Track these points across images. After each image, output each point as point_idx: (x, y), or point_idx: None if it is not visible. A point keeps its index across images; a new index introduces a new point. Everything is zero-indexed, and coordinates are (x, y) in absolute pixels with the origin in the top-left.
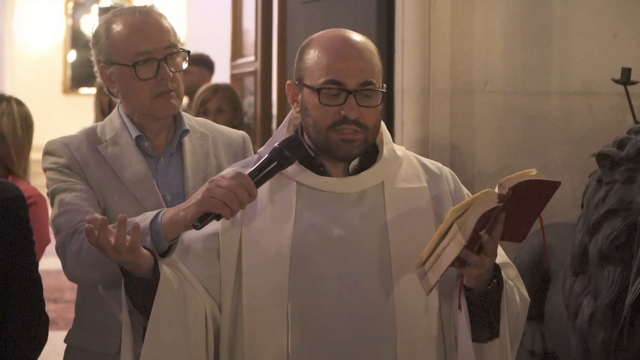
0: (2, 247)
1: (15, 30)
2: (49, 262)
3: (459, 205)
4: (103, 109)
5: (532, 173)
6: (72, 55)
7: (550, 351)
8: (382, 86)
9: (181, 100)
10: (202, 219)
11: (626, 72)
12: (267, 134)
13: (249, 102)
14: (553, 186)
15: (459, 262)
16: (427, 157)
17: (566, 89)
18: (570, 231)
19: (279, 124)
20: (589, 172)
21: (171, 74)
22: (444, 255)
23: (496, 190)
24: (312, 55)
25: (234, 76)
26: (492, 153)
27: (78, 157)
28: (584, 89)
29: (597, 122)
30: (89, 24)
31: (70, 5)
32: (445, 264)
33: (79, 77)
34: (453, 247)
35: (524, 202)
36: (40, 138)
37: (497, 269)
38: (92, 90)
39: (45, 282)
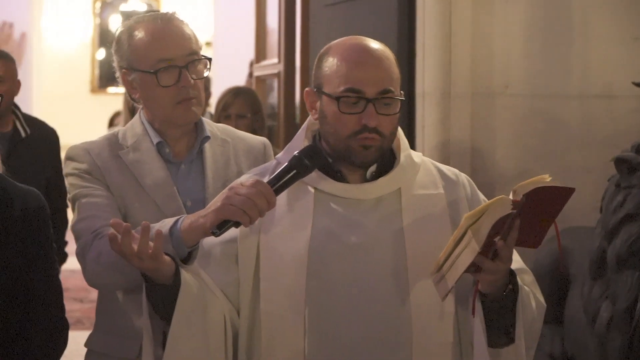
0: (24, 255)
1: (43, 29)
2: (75, 263)
3: (474, 211)
4: (132, 109)
5: (547, 179)
6: (101, 54)
7: (569, 355)
8: (400, 94)
9: (202, 107)
10: (221, 226)
11: None
12: (290, 136)
13: (273, 104)
14: (567, 192)
15: (474, 267)
16: (448, 161)
17: (586, 92)
18: (590, 235)
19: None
20: (609, 176)
21: (192, 81)
22: (458, 261)
23: (510, 196)
24: (331, 63)
25: (257, 78)
26: (512, 156)
27: (99, 163)
28: (604, 92)
29: (617, 125)
30: (117, 23)
31: (98, 4)
32: (460, 270)
33: (106, 76)
34: (467, 254)
35: (539, 208)
36: (68, 137)
37: (512, 274)
38: (120, 90)
39: (71, 282)
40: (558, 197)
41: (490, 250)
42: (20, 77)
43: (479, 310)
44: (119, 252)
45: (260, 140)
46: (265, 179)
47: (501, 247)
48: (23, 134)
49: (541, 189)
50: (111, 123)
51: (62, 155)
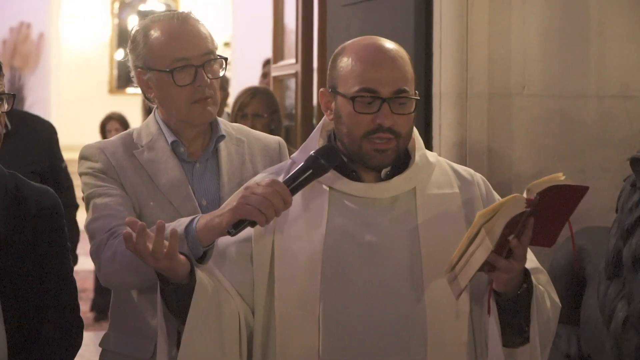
0: (38, 254)
1: (61, 30)
2: (92, 263)
3: (487, 209)
4: (149, 110)
5: (561, 178)
6: (119, 55)
7: (585, 355)
8: (415, 93)
9: (217, 106)
10: (237, 226)
11: None
12: (307, 136)
13: (290, 104)
14: (581, 191)
15: (488, 266)
16: (465, 161)
17: (603, 92)
18: (606, 235)
19: None
20: (625, 176)
21: (208, 80)
22: (472, 259)
23: (524, 195)
24: (346, 64)
25: (275, 78)
26: (529, 156)
27: (113, 162)
28: (621, 93)
29: (634, 125)
30: (135, 23)
31: (116, 5)
32: (474, 268)
33: (125, 77)
34: (481, 252)
35: (553, 207)
36: (87, 138)
37: (527, 273)
38: (139, 90)
39: (89, 283)
40: (572, 195)
41: (504, 249)
42: (38, 77)
43: (494, 309)
44: (134, 251)
45: (276, 139)
46: (281, 178)
47: (515, 246)
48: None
49: (555, 187)
50: (103, 129)
51: (64, 151)
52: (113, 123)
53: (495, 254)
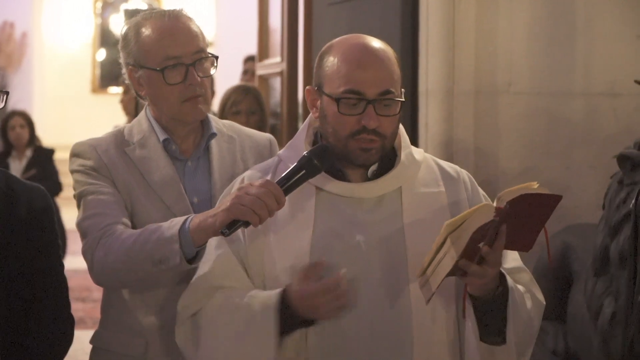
0: (29, 252)
1: (44, 30)
2: (77, 262)
3: (455, 219)
4: (129, 109)
5: (534, 186)
6: (101, 55)
7: (572, 351)
8: (401, 94)
9: (209, 104)
10: (230, 226)
11: None
12: (292, 135)
13: (276, 102)
14: (554, 199)
15: (460, 271)
16: (452, 159)
17: (590, 90)
18: (593, 232)
19: None
20: (612, 173)
21: (199, 79)
22: (440, 267)
23: (495, 203)
24: (332, 63)
25: (260, 77)
26: (516, 154)
27: (105, 160)
28: (608, 90)
29: (620, 123)
30: (118, 23)
31: (99, 4)
32: (442, 275)
33: (108, 76)
34: (447, 261)
35: (526, 215)
36: (70, 137)
37: (502, 276)
38: (121, 89)
39: (74, 282)
40: (545, 203)
41: (475, 255)
42: (21, 76)
43: (470, 312)
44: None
45: (266, 136)
46: (269, 176)
47: (487, 253)
48: None
49: (527, 196)
50: (4, 125)
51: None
52: (16, 119)
53: (467, 260)
